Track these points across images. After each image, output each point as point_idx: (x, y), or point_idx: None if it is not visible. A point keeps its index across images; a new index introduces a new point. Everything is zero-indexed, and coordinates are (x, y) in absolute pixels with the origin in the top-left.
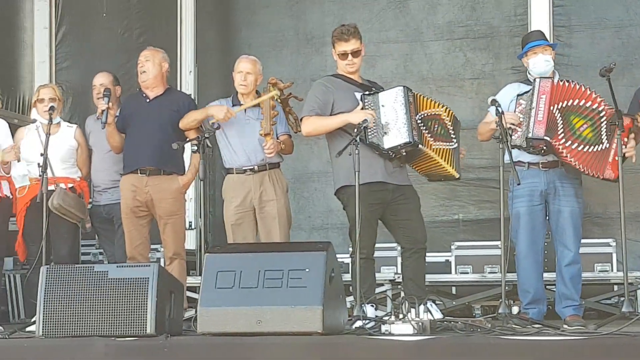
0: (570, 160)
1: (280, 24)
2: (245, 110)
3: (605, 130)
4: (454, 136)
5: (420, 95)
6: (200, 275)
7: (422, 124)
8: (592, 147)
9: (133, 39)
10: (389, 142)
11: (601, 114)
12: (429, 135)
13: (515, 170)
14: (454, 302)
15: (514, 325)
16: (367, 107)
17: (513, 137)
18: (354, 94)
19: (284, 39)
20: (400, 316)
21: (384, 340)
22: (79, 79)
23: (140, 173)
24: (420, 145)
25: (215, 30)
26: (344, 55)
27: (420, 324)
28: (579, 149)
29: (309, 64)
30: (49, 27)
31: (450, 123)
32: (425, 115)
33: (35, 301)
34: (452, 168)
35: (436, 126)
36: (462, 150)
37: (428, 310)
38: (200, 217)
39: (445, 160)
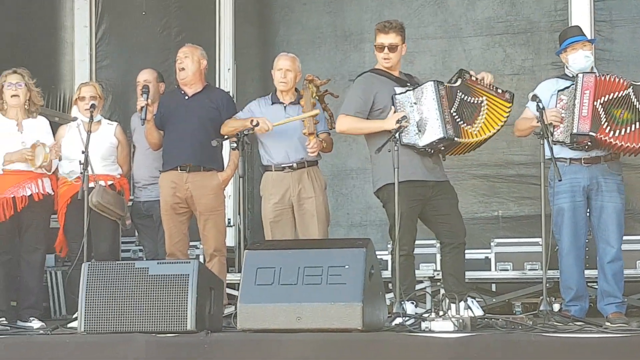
0: (627, 146)
1: (318, 20)
2: (285, 107)
3: (638, 103)
4: (480, 99)
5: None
6: (239, 272)
7: (456, 115)
8: (636, 123)
9: (172, 37)
10: (423, 140)
11: (631, 95)
12: (464, 124)
13: (556, 166)
14: (494, 299)
15: (555, 323)
16: (398, 107)
17: (555, 132)
18: (394, 88)
19: (322, 36)
20: (441, 313)
21: (424, 337)
22: (119, 77)
23: (180, 170)
24: (456, 138)
25: (254, 28)
26: (380, 48)
27: (460, 320)
28: (627, 131)
29: (347, 60)
30: (89, 26)
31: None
32: (459, 104)
33: (77, 297)
34: (500, 122)
35: (466, 109)
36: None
37: (469, 307)
38: (239, 214)
39: (490, 129)
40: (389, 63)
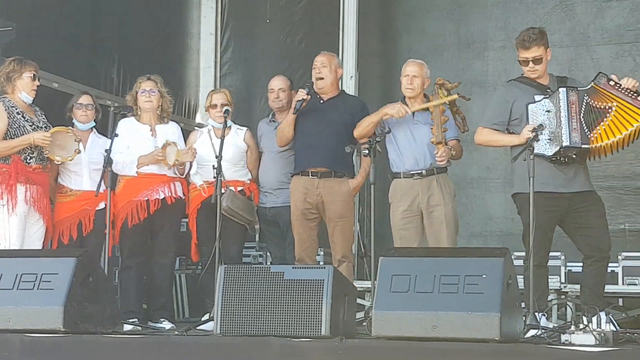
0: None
1: (441, 28)
2: (413, 113)
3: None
4: (609, 104)
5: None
6: (364, 279)
7: (584, 121)
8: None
9: (295, 45)
10: (551, 148)
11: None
12: (587, 130)
13: None
14: (623, 315)
15: None
16: (531, 118)
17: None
18: (534, 97)
19: (445, 44)
20: (581, 326)
21: (565, 350)
22: (242, 84)
23: (312, 175)
24: (583, 146)
25: (377, 36)
26: (525, 62)
27: (602, 334)
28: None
29: (470, 68)
30: (214, 33)
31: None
32: (585, 109)
33: (208, 300)
34: (624, 130)
35: (589, 115)
36: None
37: (611, 321)
38: (360, 220)
39: (610, 136)
40: (535, 74)
